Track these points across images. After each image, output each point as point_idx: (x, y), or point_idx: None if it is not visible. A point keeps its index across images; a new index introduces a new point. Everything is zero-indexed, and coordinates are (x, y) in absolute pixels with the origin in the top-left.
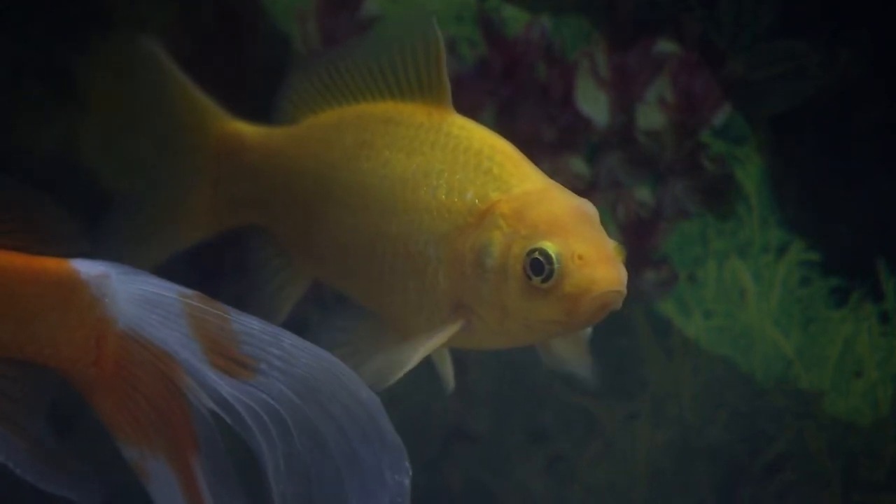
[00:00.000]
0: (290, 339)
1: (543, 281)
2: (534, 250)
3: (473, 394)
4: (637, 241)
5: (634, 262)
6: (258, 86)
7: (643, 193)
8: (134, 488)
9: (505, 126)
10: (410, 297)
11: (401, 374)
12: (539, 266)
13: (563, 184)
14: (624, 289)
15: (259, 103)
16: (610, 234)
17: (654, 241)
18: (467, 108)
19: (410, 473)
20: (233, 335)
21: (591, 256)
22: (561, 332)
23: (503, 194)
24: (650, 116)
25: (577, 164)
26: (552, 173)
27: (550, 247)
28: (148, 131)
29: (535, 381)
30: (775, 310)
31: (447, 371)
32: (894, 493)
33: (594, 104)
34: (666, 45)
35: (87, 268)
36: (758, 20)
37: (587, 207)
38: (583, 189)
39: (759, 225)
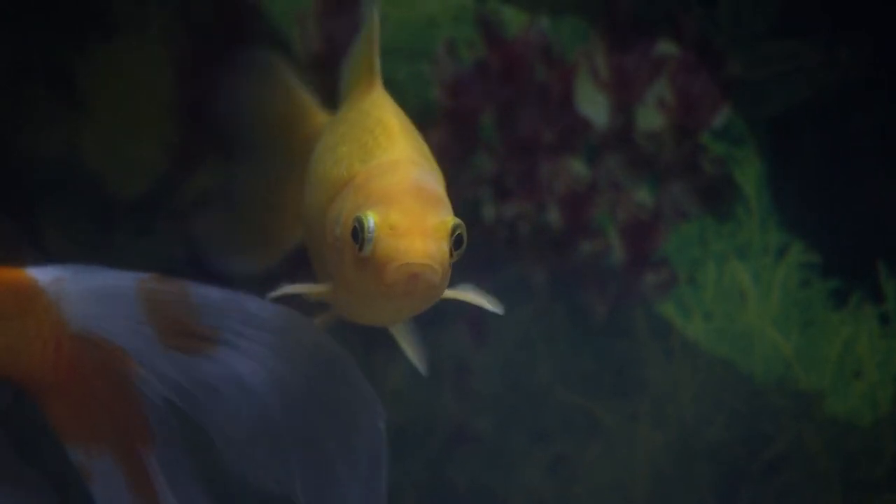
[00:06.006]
0: (254, 302)
1: (360, 249)
2: (356, 219)
3: (475, 395)
4: (636, 242)
5: (634, 263)
6: None
7: (642, 195)
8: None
9: (504, 128)
10: (323, 270)
11: None
12: (357, 234)
13: (562, 186)
14: (432, 261)
15: None
16: (608, 237)
17: (654, 242)
18: (466, 109)
19: (385, 417)
20: (193, 308)
21: (403, 227)
22: (388, 305)
23: (363, 165)
24: (649, 118)
25: (577, 166)
26: (551, 175)
27: (370, 216)
28: (248, 130)
29: (537, 382)
30: (775, 311)
31: (411, 354)
32: (894, 493)
33: (593, 106)
34: (665, 47)
35: (43, 274)
36: (757, 20)
37: (426, 182)
38: (582, 191)
39: (759, 226)
